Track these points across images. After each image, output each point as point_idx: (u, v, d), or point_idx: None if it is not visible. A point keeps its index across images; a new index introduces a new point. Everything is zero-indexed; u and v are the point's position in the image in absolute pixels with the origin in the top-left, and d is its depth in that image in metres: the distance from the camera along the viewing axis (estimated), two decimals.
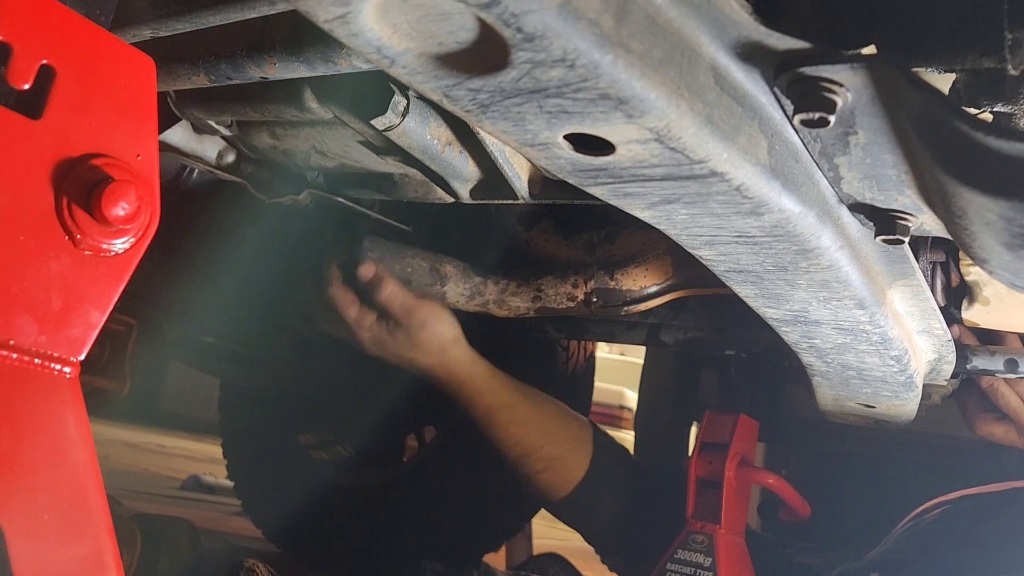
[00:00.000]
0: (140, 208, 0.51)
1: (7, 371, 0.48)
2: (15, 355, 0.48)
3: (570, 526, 1.39)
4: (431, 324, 1.19)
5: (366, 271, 1.18)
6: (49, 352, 0.50)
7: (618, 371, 5.23)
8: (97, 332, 0.52)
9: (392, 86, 0.85)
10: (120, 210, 0.50)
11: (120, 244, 0.52)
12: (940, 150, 0.51)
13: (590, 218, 1.28)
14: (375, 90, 0.86)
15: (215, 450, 2.32)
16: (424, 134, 0.89)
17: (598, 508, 1.32)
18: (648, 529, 1.30)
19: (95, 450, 0.53)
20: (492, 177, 0.97)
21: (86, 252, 0.51)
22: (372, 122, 0.86)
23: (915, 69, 0.56)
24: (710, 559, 1.16)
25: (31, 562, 0.48)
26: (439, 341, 1.21)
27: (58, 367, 0.50)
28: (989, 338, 1.06)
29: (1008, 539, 1.10)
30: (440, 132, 0.91)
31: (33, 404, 0.49)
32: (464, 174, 0.98)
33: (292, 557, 2.01)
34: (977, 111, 0.59)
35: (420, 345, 1.20)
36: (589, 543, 1.43)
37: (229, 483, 2.23)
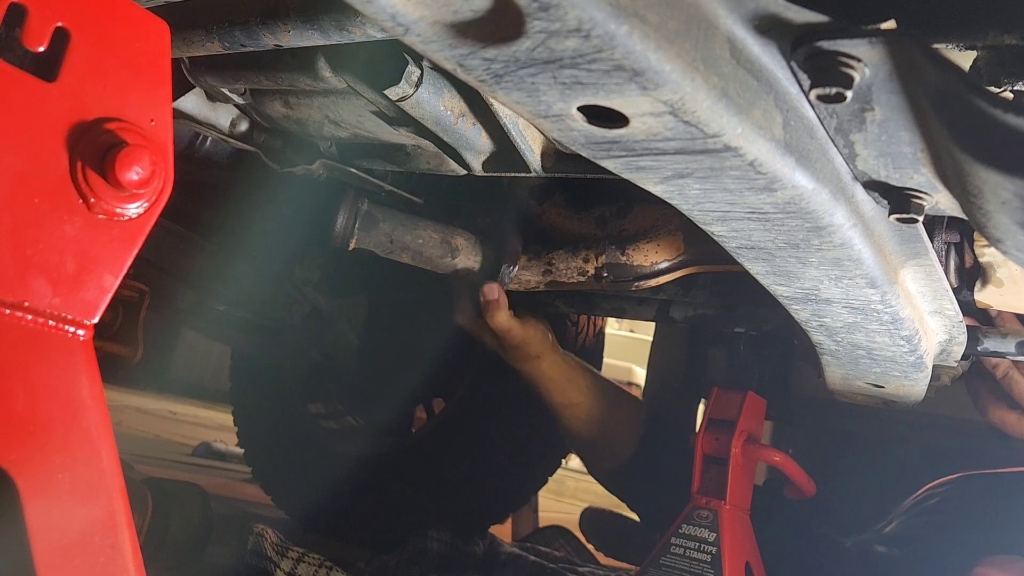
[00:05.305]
0: (154, 173, 0.52)
1: (22, 332, 0.48)
2: (30, 316, 0.49)
3: (588, 469, 1.54)
4: (524, 345, 1.38)
5: (490, 291, 1.30)
6: (63, 314, 0.50)
7: (628, 348, 5.25)
8: (110, 296, 0.52)
9: (406, 56, 0.85)
10: (133, 175, 0.50)
11: (133, 209, 0.52)
12: (957, 127, 0.51)
13: (603, 193, 1.28)
14: (389, 60, 0.85)
15: (226, 418, 2.34)
16: (437, 105, 0.89)
17: (612, 450, 1.43)
18: (661, 474, 1.37)
19: (108, 412, 0.53)
20: (505, 150, 0.97)
21: (100, 216, 0.51)
22: (385, 92, 0.86)
23: (935, 45, 0.55)
24: (714, 534, 1.17)
25: (45, 521, 0.48)
26: (526, 351, 1.39)
27: (72, 329, 0.51)
28: (988, 321, 1.05)
29: (1014, 519, 1.11)
30: (453, 103, 0.91)
31: (47, 365, 0.50)
32: (477, 146, 0.98)
33: (300, 524, 2.03)
34: (998, 89, 0.59)
35: (514, 357, 1.42)
36: (607, 488, 1.54)
37: (239, 450, 2.25)
